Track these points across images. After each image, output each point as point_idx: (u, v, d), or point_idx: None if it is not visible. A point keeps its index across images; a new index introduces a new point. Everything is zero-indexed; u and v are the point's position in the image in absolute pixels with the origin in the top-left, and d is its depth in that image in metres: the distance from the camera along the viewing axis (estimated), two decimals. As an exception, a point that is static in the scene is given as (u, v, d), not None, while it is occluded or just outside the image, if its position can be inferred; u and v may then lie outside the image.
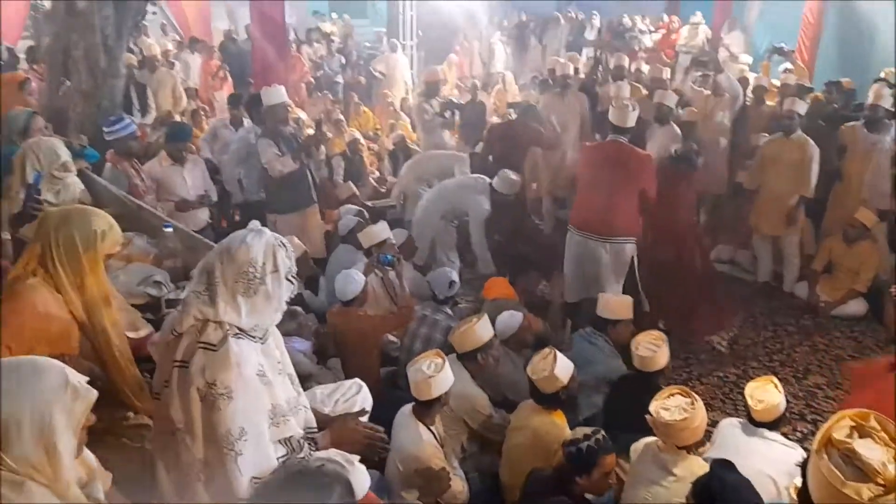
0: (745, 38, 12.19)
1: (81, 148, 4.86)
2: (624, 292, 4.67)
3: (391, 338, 4.47)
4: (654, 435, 2.98)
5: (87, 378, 1.67)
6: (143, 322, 2.89)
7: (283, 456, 2.04)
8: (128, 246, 3.66)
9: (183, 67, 10.16)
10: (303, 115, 8.56)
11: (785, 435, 3.32)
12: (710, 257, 6.00)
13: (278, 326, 2.17)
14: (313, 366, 3.77)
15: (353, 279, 4.19)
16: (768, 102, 7.59)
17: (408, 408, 3.24)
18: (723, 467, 2.44)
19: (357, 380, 3.02)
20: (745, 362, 5.18)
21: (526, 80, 11.12)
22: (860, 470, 1.63)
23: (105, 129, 4.97)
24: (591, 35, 13.58)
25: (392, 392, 3.87)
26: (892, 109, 6.08)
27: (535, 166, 7.12)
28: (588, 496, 2.89)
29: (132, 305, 3.01)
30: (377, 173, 8.14)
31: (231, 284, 1.98)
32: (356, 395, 2.86)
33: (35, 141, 3.66)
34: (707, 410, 2.98)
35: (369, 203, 6.93)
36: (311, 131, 7.30)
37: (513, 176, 5.80)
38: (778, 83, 8.23)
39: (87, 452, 1.82)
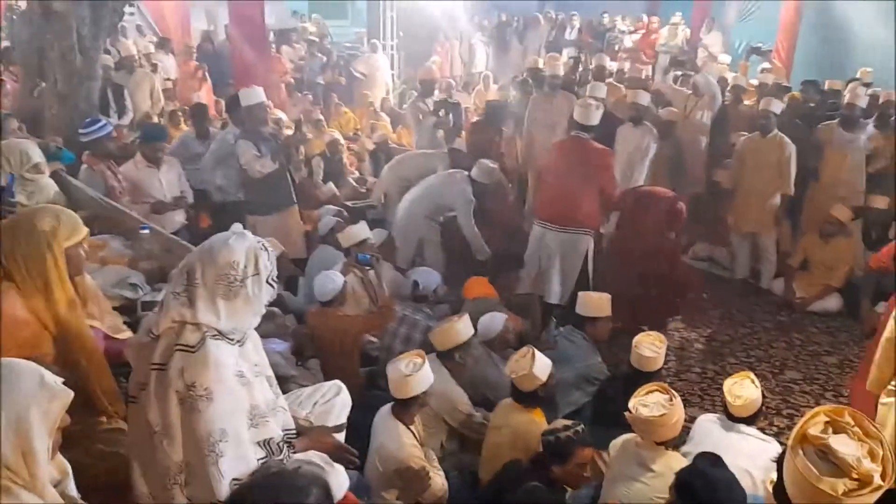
0: (723, 39, 12.32)
1: (57, 149, 4.81)
2: (576, 287, 4.80)
3: (371, 338, 4.45)
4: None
5: (62, 379, 1.66)
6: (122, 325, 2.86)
7: (261, 458, 2.02)
8: (103, 248, 3.64)
9: (161, 68, 10.05)
10: (283, 115, 8.51)
11: (762, 429, 3.36)
12: (682, 265, 5.76)
13: (256, 328, 2.15)
14: (292, 367, 3.75)
15: (332, 279, 4.18)
16: (746, 102, 7.66)
17: (387, 407, 3.24)
18: (706, 461, 2.43)
19: (337, 381, 2.98)
20: (722, 358, 5.24)
21: (505, 81, 11.12)
22: (835, 465, 1.64)
23: (81, 131, 4.93)
24: (571, 35, 13.64)
25: (371, 392, 3.86)
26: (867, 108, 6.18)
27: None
28: (567, 496, 2.91)
29: (108, 308, 2.98)
30: (357, 173, 8.11)
31: (211, 286, 1.96)
32: (336, 398, 2.84)
33: (6, 143, 3.62)
34: (685, 406, 3.00)
35: (349, 203, 6.90)
36: (290, 132, 7.24)
37: (490, 164, 5.83)
38: (756, 83, 8.33)
39: (58, 454, 1.80)
